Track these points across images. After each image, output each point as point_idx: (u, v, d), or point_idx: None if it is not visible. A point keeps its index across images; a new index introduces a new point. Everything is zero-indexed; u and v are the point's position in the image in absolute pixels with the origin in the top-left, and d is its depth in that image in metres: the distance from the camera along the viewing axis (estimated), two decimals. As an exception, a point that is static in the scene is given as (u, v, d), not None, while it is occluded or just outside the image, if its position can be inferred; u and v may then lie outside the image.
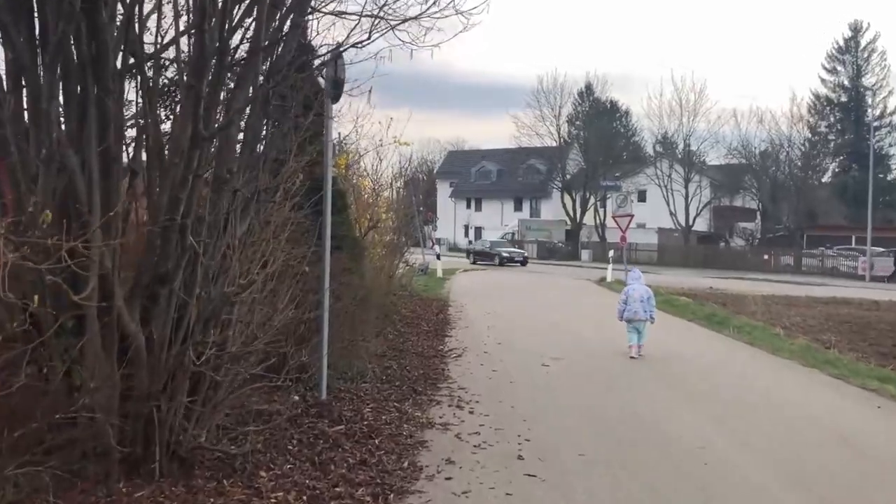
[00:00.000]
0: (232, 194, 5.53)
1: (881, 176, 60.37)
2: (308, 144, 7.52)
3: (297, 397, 8.46)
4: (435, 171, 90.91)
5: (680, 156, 60.32)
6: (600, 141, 63.26)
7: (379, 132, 13.55)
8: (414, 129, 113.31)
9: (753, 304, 22.04)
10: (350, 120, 12.62)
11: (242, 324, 5.70)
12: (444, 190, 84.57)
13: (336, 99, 8.00)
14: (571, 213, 65.26)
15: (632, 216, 37.16)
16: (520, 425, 7.86)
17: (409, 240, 26.80)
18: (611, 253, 35.69)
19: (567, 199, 65.36)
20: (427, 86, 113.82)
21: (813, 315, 21.84)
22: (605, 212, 63.42)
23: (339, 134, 11.98)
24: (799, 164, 59.80)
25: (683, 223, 58.83)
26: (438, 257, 34.38)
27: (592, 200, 63.79)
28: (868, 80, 64.91)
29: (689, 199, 57.93)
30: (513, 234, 72.27)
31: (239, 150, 5.95)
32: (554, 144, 66.93)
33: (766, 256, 53.54)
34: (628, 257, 56.71)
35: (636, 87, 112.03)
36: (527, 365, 11.62)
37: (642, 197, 62.76)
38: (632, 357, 12.40)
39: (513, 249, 53.01)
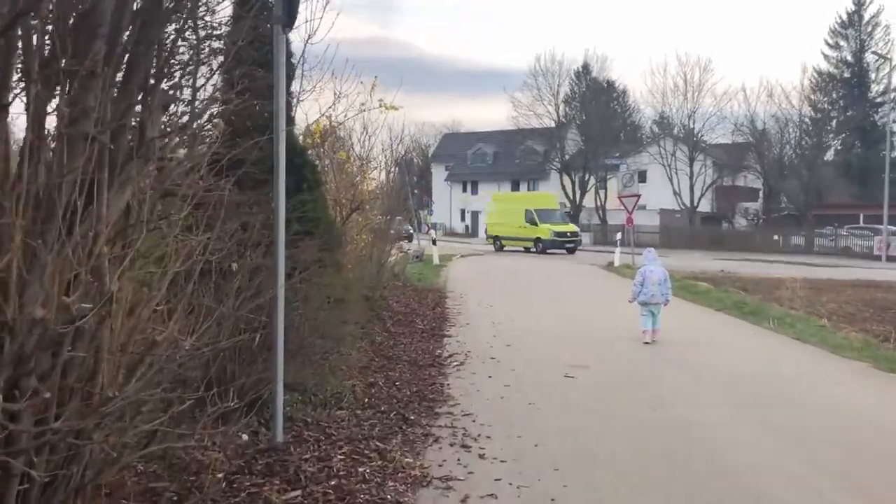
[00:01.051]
0: (85, 142, 3.25)
1: (884, 153, 58.18)
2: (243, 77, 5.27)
3: (245, 436, 6.25)
4: (430, 155, 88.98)
5: (681, 134, 58.10)
6: (598, 121, 61.05)
7: (361, 94, 11.29)
8: (408, 113, 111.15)
9: (786, 290, 19.82)
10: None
11: (114, 358, 3.44)
12: (439, 174, 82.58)
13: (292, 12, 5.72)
14: (571, 196, 63.05)
15: (639, 196, 35.12)
16: (550, 478, 5.62)
17: (405, 221, 24.61)
18: (617, 236, 33.47)
19: (566, 181, 63.18)
20: (423, 70, 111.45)
21: (847, 301, 19.71)
22: (605, 193, 61.29)
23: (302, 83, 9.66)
24: (808, 140, 57.46)
25: (687, 203, 56.59)
26: (434, 243, 32.11)
27: (592, 182, 61.69)
28: (872, 55, 62.51)
29: (694, 178, 55.69)
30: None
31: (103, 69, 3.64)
32: (552, 125, 64.86)
33: (775, 237, 51.36)
34: (624, 239, 54.84)
35: (636, 67, 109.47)
36: (546, 376, 9.40)
37: (643, 177, 60.51)
38: (646, 343, 11.78)
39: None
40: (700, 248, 50.43)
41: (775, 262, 38.27)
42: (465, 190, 79.30)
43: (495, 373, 9.50)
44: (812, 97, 60.96)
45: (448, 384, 8.80)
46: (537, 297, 18.61)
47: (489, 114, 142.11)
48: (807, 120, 57.26)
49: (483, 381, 9.03)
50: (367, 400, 7.83)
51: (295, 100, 9.80)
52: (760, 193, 62.27)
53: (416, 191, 37.60)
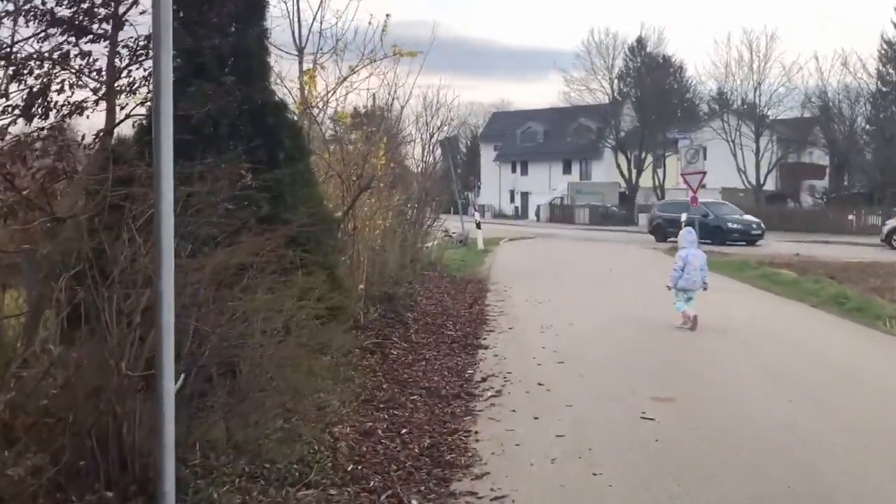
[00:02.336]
0: None
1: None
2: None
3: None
4: (478, 135, 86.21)
5: (744, 108, 54.22)
6: (655, 98, 57.43)
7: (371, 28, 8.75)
8: (457, 96, 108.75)
9: (876, 278, 16.82)
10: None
11: None
12: (487, 154, 79.88)
13: None
14: (626, 175, 59.71)
15: (704, 173, 31.96)
16: None
17: (440, 207, 22.02)
18: (683, 216, 30.37)
19: (621, 159, 59.83)
20: (472, 52, 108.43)
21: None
22: (664, 172, 57.85)
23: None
24: (884, 113, 53.04)
25: (753, 181, 52.85)
26: (479, 226, 29.44)
27: (649, 160, 58.27)
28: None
29: (761, 154, 51.93)
30: (562, 198, 67.28)
31: None
32: (605, 101, 61.47)
33: (850, 216, 47.46)
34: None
35: (694, 40, 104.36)
36: (615, 415, 6.71)
37: (703, 154, 56.53)
38: (683, 326, 10.94)
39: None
40: (766, 229, 46.88)
41: (851, 243, 34.89)
42: (514, 170, 76.49)
43: (543, 411, 6.85)
44: (881, 69, 56.41)
45: (476, 432, 6.19)
46: (595, 291, 15.86)
47: (539, 94, 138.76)
48: (883, 89, 52.74)
49: (526, 426, 6.39)
50: (352, 466, 5.28)
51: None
52: (826, 170, 58.14)
53: (459, 169, 34.92)
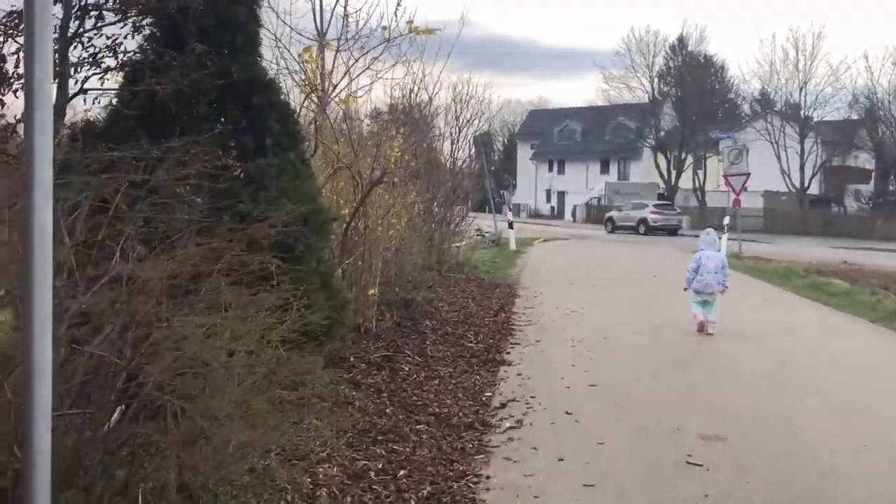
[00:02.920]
0: None
1: None
2: None
3: None
4: (515, 133, 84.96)
5: (787, 110, 52.37)
6: (696, 97, 55.73)
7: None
8: (494, 93, 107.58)
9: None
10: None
11: None
12: (524, 152, 78.75)
13: None
14: (665, 175, 58.12)
15: (748, 175, 30.62)
16: None
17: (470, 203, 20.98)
18: (726, 220, 29.03)
19: (661, 159, 58.22)
20: (511, 52, 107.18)
21: None
22: (704, 173, 56.23)
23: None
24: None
25: (797, 185, 51.01)
26: (511, 226, 28.34)
27: (689, 161, 56.68)
28: None
29: (805, 156, 50.10)
30: (599, 198, 65.84)
31: None
32: (645, 100, 59.92)
33: (898, 223, 45.56)
34: (732, 224, 49.98)
35: (737, 40, 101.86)
36: (656, 460, 5.61)
37: (743, 157, 54.69)
38: (700, 332, 10.72)
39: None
40: (809, 234, 45.17)
41: (900, 251, 33.24)
42: (550, 169, 75.16)
43: (570, 450, 5.78)
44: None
45: (487, 477, 5.15)
46: (634, 300, 14.72)
47: (577, 93, 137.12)
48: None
49: (548, 471, 5.33)
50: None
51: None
52: (872, 174, 56.02)
53: (493, 167, 33.89)
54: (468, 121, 17.69)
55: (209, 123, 5.67)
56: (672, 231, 44.40)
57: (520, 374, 8.22)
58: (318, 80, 8.26)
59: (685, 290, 11.15)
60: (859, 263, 25.18)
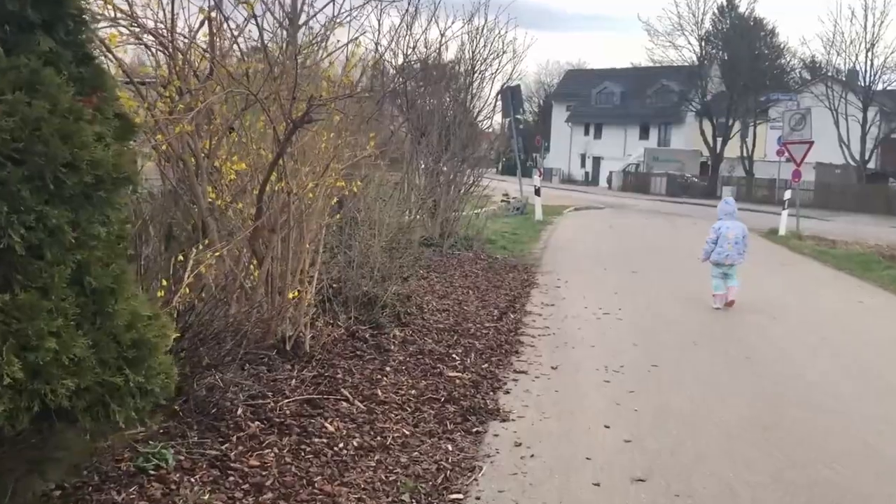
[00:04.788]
0: None
1: None
2: None
3: None
4: (551, 93, 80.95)
5: (842, 77, 47.87)
6: (746, 61, 51.24)
7: None
8: (532, 53, 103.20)
9: None
10: None
11: None
12: (560, 114, 74.90)
13: None
14: (710, 143, 54.01)
15: (811, 143, 26.85)
16: None
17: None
18: (786, 194, 25.39)
19: (706, 126, 54.05)
20: (550, 14, 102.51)
21: None
22: (753, 141, 52.09)
23: None
24: None
25: (857, 157, 46.71)
26: (538, 192, 24.93)
27: (737, 127, 52.45)
28: None
29: (868, 126, 45.75)
30: (637, 165, 62.02)
31: None
32: (691, 61, 55.42)
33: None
34: (779, 197, 45.90)
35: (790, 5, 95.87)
36: None
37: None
38: (715, 307, 9.99)
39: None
40: (864, 211, 41.12)
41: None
42: (586, 133, 71.25)
43: None
44: None
45: None
46: (691, 294, 11.34)
47: (618, 57, 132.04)
48: None
49: None
50: None
51: None
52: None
53: (521, 125, 30.33)
54: (485, 59, 14.26)
55: None
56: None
57: (518, 443, 4.99)
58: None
59: (702, 261, 10.53)
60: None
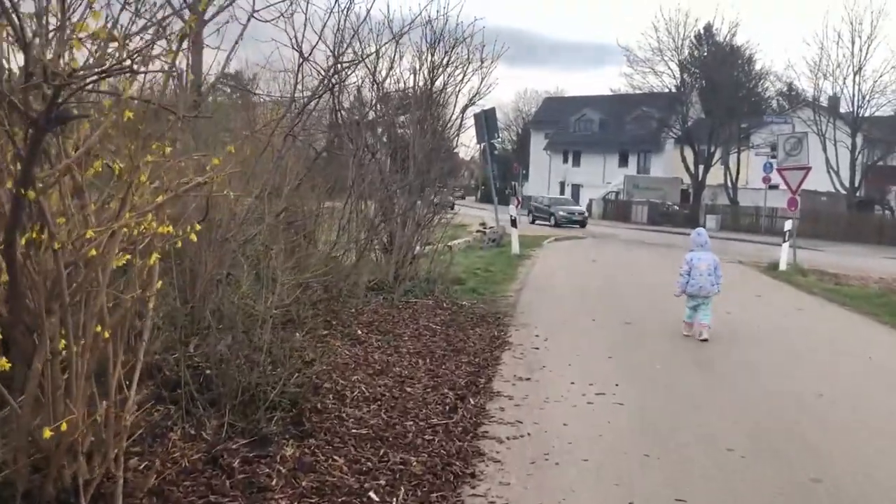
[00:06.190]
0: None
1: None
2: None
3: None
4: (529, 120, 79.21)
5: (835, 100, 46.11)
6: (727, 87, 49.42)
7: None
8: (509, 85, 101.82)
9: None
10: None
11: None
12: (538, 141, 73.44)
13: None
14: (692, 170, 52.01)
15: (808, 169, 24.86)
16: None
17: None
18: (787, 225, 23.14)
19: (687, 152, 52.08)
20: (529, 45, 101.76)
21: None
22: (737, 168, 50.19)
23: None
24: None
25: (846, 184, 44.81)
26: (514, 223, 22.55)
27: (719, 154, 50.49)
28: None
29: (857, 153, 43.92)
30: (617, 193, 60.07)
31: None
32: (671, 88, 53.51)
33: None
34: (765, 225, 43.62)
35: (767, 33, 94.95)
36: None
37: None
38: (685, 335, 10.03)
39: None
40: (855, 241, 39.00)
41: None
42: (565, 160, 69.61)
43: None
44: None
45: None
46: (694, 351, 8.88)
47: (596, 85, 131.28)
48: None
49: None
50: None
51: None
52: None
53: (496, 151, 28.07)
54: (445, 67, 11.82)
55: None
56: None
57: None
58: None
59: (677, 295, 10.40)
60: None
